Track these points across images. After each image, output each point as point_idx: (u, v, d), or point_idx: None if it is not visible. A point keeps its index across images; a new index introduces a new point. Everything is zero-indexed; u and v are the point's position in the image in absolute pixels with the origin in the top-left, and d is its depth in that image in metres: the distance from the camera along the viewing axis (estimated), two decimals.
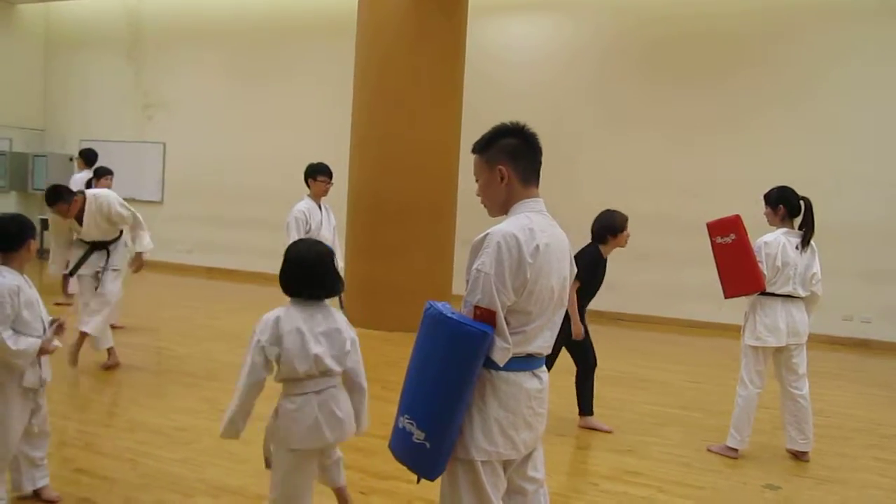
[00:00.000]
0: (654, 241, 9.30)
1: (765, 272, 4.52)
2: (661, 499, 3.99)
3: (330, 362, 2.80)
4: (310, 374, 2.77)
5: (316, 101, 11.29)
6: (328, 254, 2.90)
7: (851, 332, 8.86)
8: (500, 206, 2.35)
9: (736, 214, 4.65)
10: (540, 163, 2.37)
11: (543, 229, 2.25)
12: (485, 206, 2.40)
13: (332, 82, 10.48)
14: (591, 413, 5.16)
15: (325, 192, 5.97)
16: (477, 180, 2.40)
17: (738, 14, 9.28)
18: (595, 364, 5.15)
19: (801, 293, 4.59)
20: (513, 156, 2.31)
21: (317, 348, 2.75)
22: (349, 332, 2.90)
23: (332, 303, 6.68)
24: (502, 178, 2.30)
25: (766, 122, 9.14)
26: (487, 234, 2.20)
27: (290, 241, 5.70)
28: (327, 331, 2.82)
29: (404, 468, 2.26)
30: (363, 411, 3.00)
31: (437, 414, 2.14)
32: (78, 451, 4.20)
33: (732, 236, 4.56)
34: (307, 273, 2.82)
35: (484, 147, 2.35)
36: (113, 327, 7.48)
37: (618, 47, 9.89)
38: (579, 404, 5.16)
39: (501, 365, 2.18)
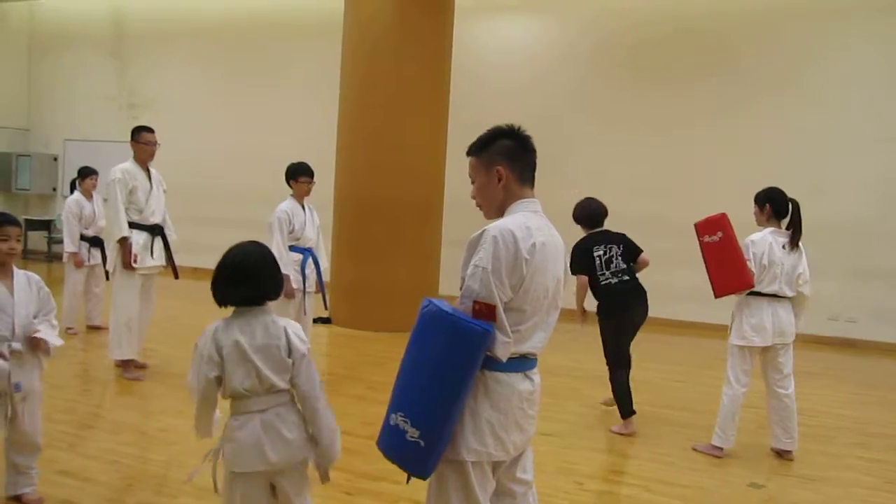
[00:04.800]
0: (641, 241, 9.28)
1: (752, 270, 4.55)
2: (645, 497, 4.00)
3: (274, 379, 2.53)
4: (252, 390, 2.54)
5: (302, 101, 11.24)
6: (256, 254, 2.61)
7: (837, 332, 8.91)
8: (496, 207, 2.35)
9: (722, 213, 4.67)
10: (535, 164, 2.38)
11: (540, 228, 2.26)
12: (480, 207, 2.40)
13: (319, 82, 10.43)
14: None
15: (307, 193, 5.91)
16: (473, 182, 2.39)
17: (722, 13, 9.33)
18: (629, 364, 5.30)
19: (788, 293, 4.61)
20: (510, 157, 2.31)
21: (258, 363, 2.52)
22: (298, 346, 2.57)
23: (317, 303, 6.60)
24: (500, 180, 2.30)
25: (752, 121, 9.19)
26: (484, 230, 2.19)
27: (274, 242, 5.70)
28: (265, 345, 2.55)
29: (391, 468, 2.24)
30: (325, 434, 2.60)
31: (433, 412, 2.11)
32: (61, 453, 4.17)
33: (719, 234, 4.58)
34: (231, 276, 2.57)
35: (480, 149, 2.35)
36: (97, 328, 7.46)
37: (604, 48, 9.91)
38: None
39: (504, 360, 2.16)
